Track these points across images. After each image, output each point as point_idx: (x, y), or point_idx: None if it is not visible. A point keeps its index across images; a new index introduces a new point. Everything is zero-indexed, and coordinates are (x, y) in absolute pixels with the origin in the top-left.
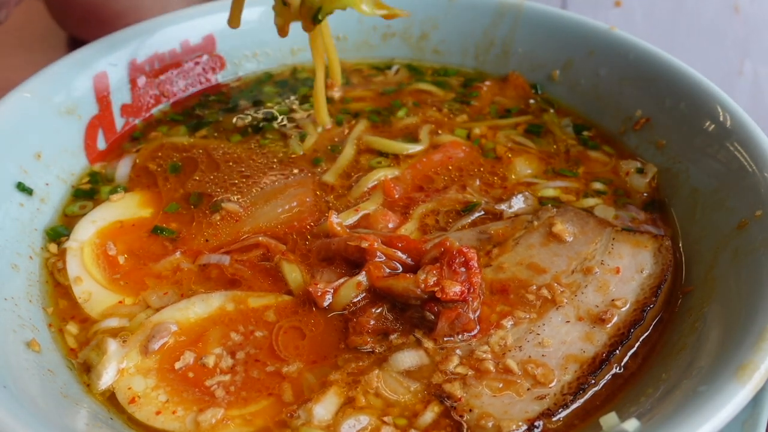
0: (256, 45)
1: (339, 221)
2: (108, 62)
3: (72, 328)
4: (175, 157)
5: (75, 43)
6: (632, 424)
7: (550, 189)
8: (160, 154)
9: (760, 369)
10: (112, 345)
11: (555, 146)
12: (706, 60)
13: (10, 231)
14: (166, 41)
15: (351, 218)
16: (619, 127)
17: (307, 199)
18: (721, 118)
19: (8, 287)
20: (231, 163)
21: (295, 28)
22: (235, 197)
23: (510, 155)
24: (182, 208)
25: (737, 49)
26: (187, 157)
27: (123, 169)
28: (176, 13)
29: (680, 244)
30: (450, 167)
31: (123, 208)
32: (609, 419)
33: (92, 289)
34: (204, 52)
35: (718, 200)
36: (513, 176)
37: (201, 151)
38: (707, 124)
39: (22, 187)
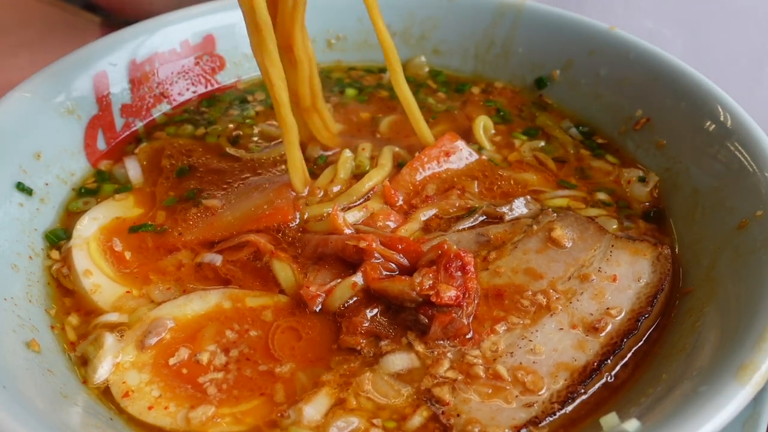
0: None
1: (343, 216)
2: (108, 62)
3: (73, 319)
4: (182, 159)
5: (76, 43)
6: (633, 424)
7: (558, 198)
8: (169, 152)
9: (760, 369)
10: (109, 339)
11: (563, 150)
12: (734, 41)
13: (9, 231)
14: (166, 41)
15: (357, 214)
16: (620, 127)
17: (284, 193)
18: (722, 118)
19: (8, 287)
20: (226, 165)
21: None
22: (219, 193)
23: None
24: (176, 204)
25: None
26: (187, 158)
27: (133, 171)
28: (176, 13)
29: (680, 247)
30: (445, 166)
31: (122, 207)
32: (609, 419)
33: (102, 282)
34: (204, 52)
35: (718, 200)
36: (519, 184)
37: (200, 152)
38: (708, 123)
39: (21, 187)
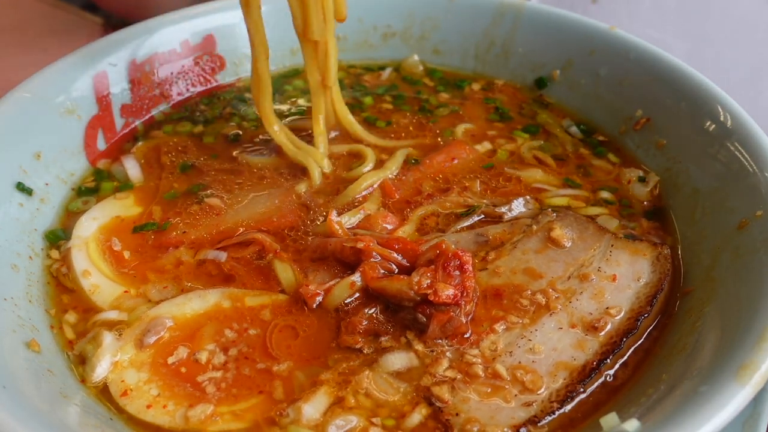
0: None
1: (338, 220)
2: (108, 62)
3: (71, 317)
4: (181, 156)
5: (76, 43)
6: (632, 424)
7: (560, 197)
8: (166, 149)
9: (760, 369)
10: (108, 338)
11: (562, 149)
12: (736, 50)
13: (9, 231)
14: (166, 41)
15: (353, 218)
16: (620, 127)
17: (289, 199)
18: (722, 118)
19: (8, 287)
20: (229, 166)
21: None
22: (224, 195)
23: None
24: (176, 199)
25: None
26: (184, 155)
27: (132, 169)
28: (176, 13)
29: (680, 246)
30: (449, 167)
31: (122, 206)
32: (609, 419)
33: (100, 282)
34: (204, 52)
35: (718, 200)
36: (524, 182)
37: (195, 150)
38: (707, 123)
39: (21, 187)
